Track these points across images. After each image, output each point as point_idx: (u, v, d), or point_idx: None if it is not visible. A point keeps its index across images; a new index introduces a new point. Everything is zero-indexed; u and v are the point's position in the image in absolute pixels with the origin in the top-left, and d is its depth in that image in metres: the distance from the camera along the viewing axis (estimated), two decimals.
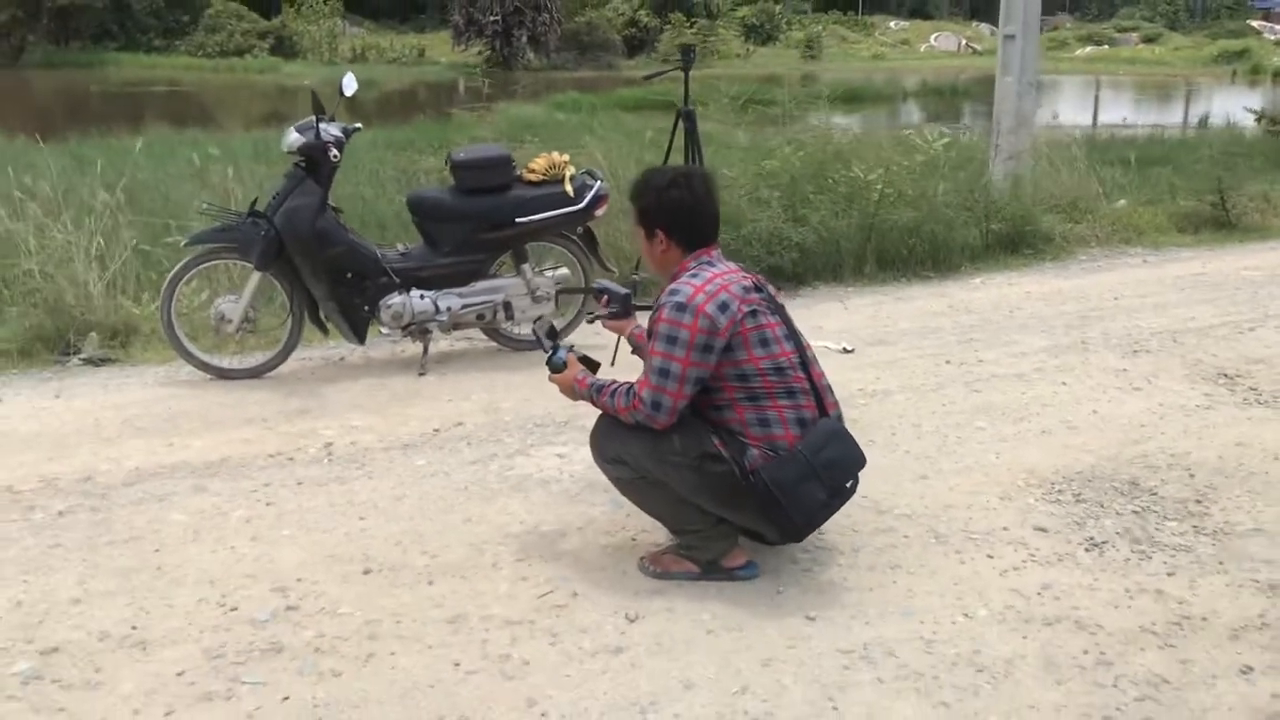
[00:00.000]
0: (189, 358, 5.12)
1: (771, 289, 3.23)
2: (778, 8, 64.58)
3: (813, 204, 7.30)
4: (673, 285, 3.06)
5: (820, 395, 3.15)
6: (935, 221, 7.46)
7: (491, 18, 41.84)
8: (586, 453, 3.55)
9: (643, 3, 48.25)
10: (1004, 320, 6.14)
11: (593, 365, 3.30)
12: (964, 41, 60.43)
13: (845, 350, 5.57)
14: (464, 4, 43.92)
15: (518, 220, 5.30)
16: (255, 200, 5.25)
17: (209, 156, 9.73)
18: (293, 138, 5.09)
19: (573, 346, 3.35)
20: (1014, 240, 7.92)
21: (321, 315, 5.26)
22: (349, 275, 5.15)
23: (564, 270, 5.60)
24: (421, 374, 5.23)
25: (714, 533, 3.15)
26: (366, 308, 5.21)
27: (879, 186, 7.40)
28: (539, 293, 5.45)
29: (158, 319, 5.18)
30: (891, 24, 71.45)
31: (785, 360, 3.07)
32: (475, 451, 4.18)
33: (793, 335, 3.18)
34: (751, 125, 10.23)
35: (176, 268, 5.10)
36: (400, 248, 5.50)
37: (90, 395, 4.93)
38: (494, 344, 5.62)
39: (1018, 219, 7.98)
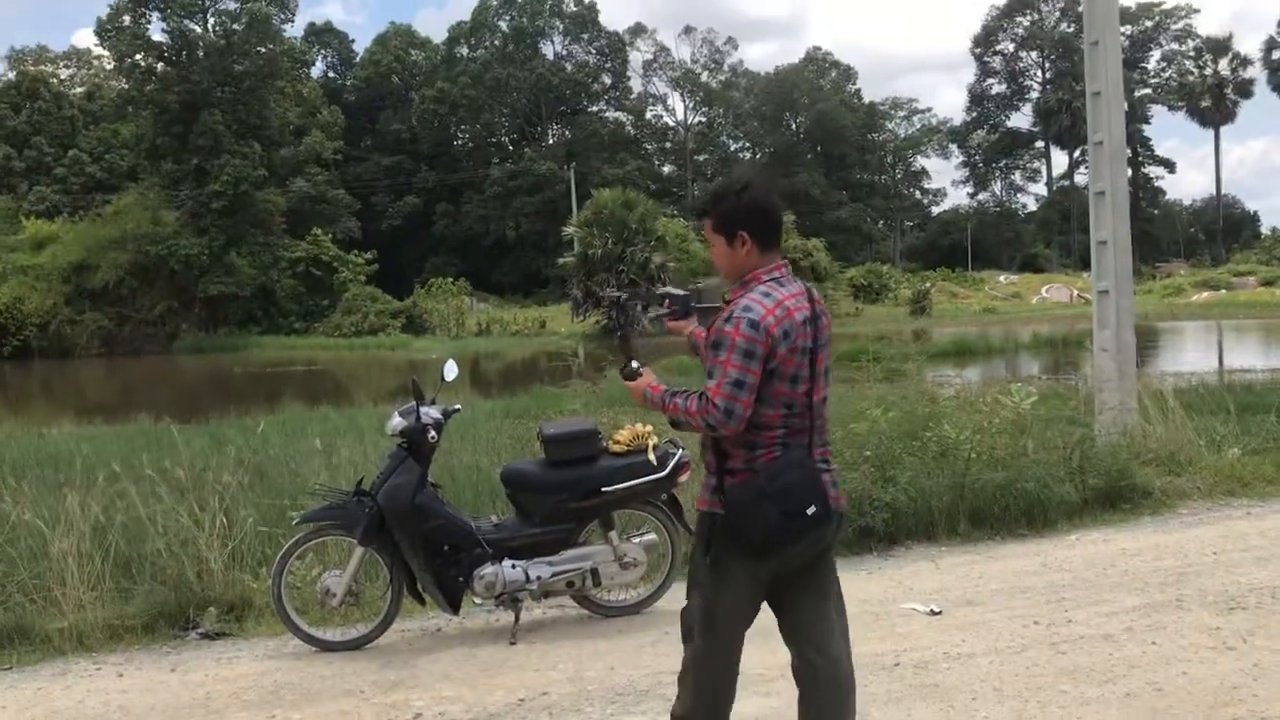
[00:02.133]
0: (296, 631, 5.41)
1: (825, 320, 3.43)
2: (885, 267, 66.44)
3: (903, 463, 7.42)
4: (746, 301, 3.26)
5: (813, 434, 3.33)
6: (1028, 479, 7.49)
7: (609, 290, 43.95)
8: None
9: None
10: (1097, 578, 6.06)
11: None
12: (1075, 293, 60.78)
13: (933, 612, 5.57)
14: (582, 279, 46.36)
15: (604, 489, 5.56)
16: (361, 480, 5.66)
17: (336, 433, 10.38)
18: (395, 421, 5.54)
19: (644, 362, 3.63)
20: (1112, 496, 7.84)
21: (419, 587, 5.53)
22: (445, 547, 5.44)
23: (651, 536, 5.81)
24: (513, 643, 5.40)
25: None
26: (461, 578, 5.46)
27: (968, 446, 7.51)
28: (626, 559, 5.64)
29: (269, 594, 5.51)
30: (1001, 278, 72.48)
31: (798, 402, 3.27)
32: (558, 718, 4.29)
33: (815, 375, 3.32)
34: (849, 384, 10.48)
35: (287, 544, 5.49)
36: (494, 518, 5.79)
37: (203, 669, 5.22)
38: (584, 611, 5.78)
39: (1115, 474, 7.94)
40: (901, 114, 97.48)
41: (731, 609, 3.36)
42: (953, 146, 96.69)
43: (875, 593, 5.98)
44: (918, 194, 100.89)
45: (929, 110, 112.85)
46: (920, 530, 7.17)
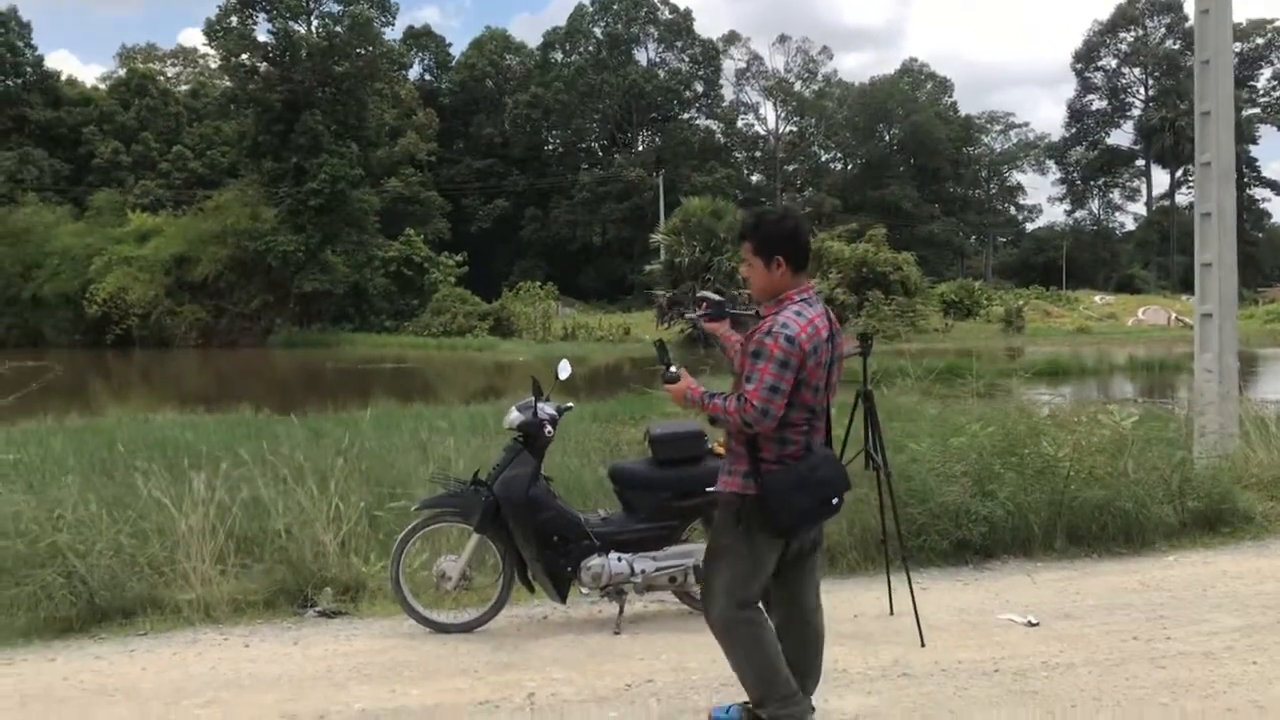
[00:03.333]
0: (412, 612, 5.68)
1: (840, 339, 3.97)
2: (977, 283, 65.53)
3: (1001, 479, 7.45)
4: (782, 319, 3.77)
5: (823, 433, 3.97)
6: (1127, 499, 7.47)
7: (739, 308, 44.04)
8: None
9: (839, 282, 49.91)
10: (1196, 599, 6.06)
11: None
12: (1173, 315, 59.30)
13: (1030, 623, 5.63)
14: (666, 286, 46.55)
15: (708, 490, 5.71)
16: (478, 471, 5.91)
17: (432, 429, 10.70)
18: (513, 416, 5.78)
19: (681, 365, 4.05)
20: (1211, 519, 7.78)
21: (529, 575, 5.75)
22: (555, 538, 5.65)
23: None
24: (617, 633, 5.59)
25: (795, 697, 3.90)
26: (569, 569, 5.66)
27: (1067, 464, 7.52)
28: None
29: (386, 575, 5.79)
30: (1097, 298, 71.02)
31: (819, 405, 3.88)
32: (664, 707, 4.47)
33: (829, 385, 3.92)
34: (944, 398, 10.51)
35: (406, 529, 5.76)
36: (601, 513, 5.99)
37: (324, 644, 5.50)
38: (685, 606, 5.95)
39: (1215, 497, 7.87)
40: (998, 128, 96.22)
41: (757, 575, 3.90)
42: (1050, 162, 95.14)
43: (971, 603, 6.06)
44: (1012, 210, 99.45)
45: (1026, 125, 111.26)
46: (1017, 545, 7.20)
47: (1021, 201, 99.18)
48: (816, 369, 3.80)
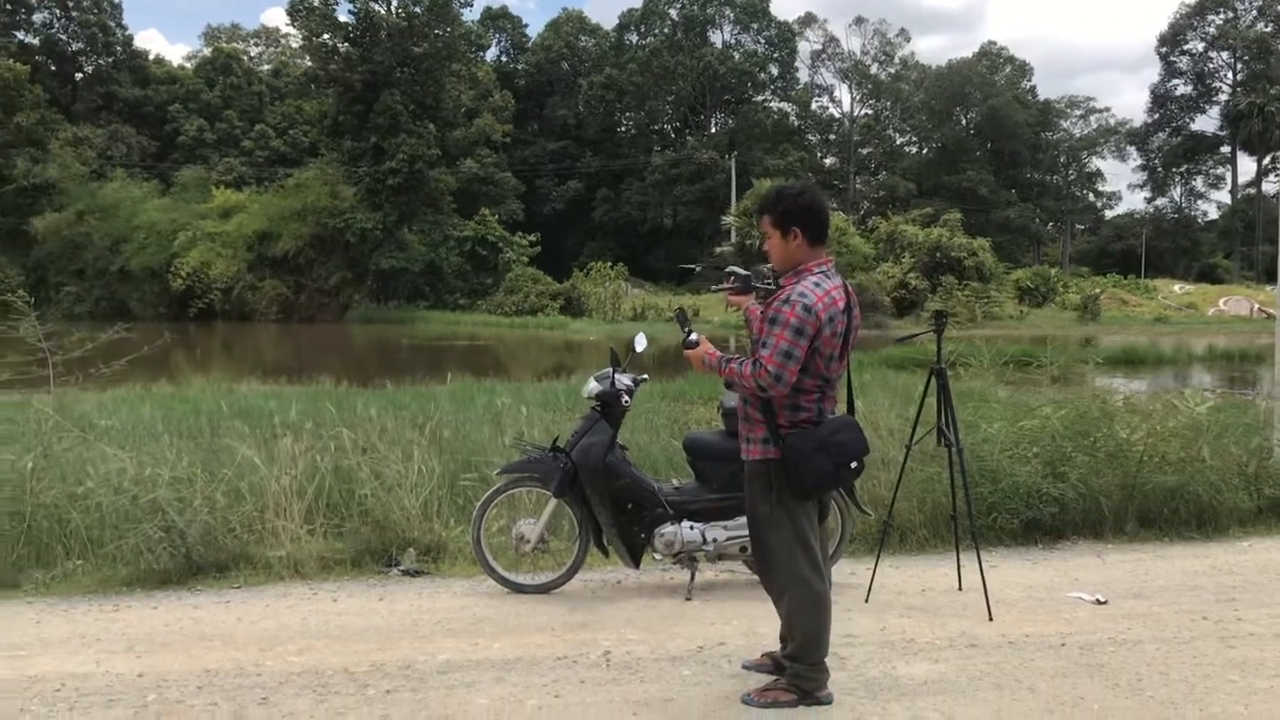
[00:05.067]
0: (491, 573, 5.90)
1: (856, 311, 4.16)
2: (1053, 270, 64.45)
3: (1073, 461, 7.46)
4: (800, 288, 3.97)
5: (834, 400, 4.17)
6: (1201, 484, 7.44)
7: (764, 283, 43.96)
8: (841, 676, 4.00)
9: (912, 266, 49.47)
10: (1270, 583, 6.05)
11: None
12: (1256, 306, 57.76)
13: (1099, 601, 5.68)
14: (727, 271, 46.47)
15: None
16: (556, 438, 6.10)
17: (505, 405, 10.94)
18: (592, 385, 5.96)
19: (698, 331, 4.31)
20: None
21: (604, 540, 5.93)
22: (630, 505, 5.82)
23: None
24: (688, 599, 5.75)
25: (821, 665, 4.14)
26: (643, 535, 5.83)
27: (1140, 448, 7.52)
28: None
29: (467, 538, 6.02)
30: (1176, 287, 69.41)
31: (834, 374, 4.09)
32: (736, 668, 4.62)
33: (844, 355, 4.12)
34: (1016, 384, 10.50)
35: (488, 493, 5.98)
36: (674, 482, 6.14)
37: (408, 600, 5.74)
38: (754, 576, 6.07)
39: None
40: (1078, 113, 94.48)
41: (801, 536, 4.08)
42: (1131, 148, 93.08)
43: (1040, 580, 6.12)
44: (1091, 196, 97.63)
45: (1107, 110, 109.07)
46: (1087, 527, 7.23)
47: (1100, 188, 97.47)
48: (832, 338, 3.99)
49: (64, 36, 74.81)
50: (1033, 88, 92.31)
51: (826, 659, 4.21)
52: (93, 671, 4.66)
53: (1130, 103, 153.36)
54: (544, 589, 5.87)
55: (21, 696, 4.37)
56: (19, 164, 57.87)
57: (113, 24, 75.24)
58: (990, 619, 5.29)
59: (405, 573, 6.32)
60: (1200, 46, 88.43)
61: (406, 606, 5.62)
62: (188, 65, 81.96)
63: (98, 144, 66.86)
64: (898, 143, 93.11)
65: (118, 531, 6.37)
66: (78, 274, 57.75)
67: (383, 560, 6.47)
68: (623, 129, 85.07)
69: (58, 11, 74.17)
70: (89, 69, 75.28)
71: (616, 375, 5.95)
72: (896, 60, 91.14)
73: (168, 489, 6.39)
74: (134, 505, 6.37)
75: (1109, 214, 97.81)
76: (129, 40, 77.09)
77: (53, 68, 71.91)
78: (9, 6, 71.55)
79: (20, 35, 72.67)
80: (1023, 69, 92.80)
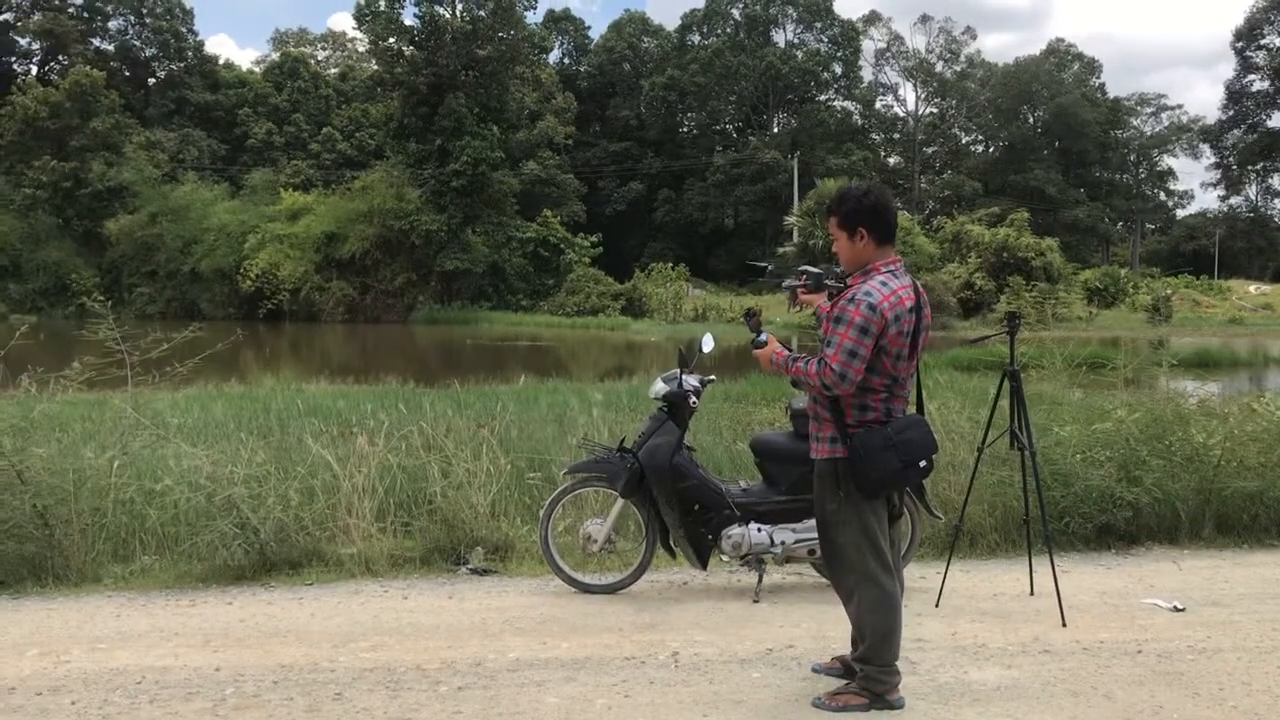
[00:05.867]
0: (559, 572, 5.93)
1: (926, 310, 4.13)
2: (1123, 270, 63.28)
3: (1147, 465, 7.32)
4: (867, 287, 3.98)
5: (904, 400, 4.12)
6: None
7: (834, 281, 43.63)
8: (913, 680, 3.97)
9: (978, 266, 48.84)
10: None
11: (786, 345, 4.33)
12: None
13: (1176, 609, 5.57)
14: (799, 270, 46.21)
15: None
16: (623, 439, 6.12)
17: (568, 403, 10.99)
18: (659, 386, 5.96)
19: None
20: None
21: (671, 541, 5.94)
22: (697, 507, 5.82)
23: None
24: (756, 601, 5.73)
25: (892, 668, 4.09)
26: (710, 537, 5.82)
27: (1217, 453, 7.36)
28: None
29: (534, 537, 6.07)
30: (1251, 288, 67.77)
31: (903, 374, 4.06)
32: (805, 670, 4.60)
33: (913, 354, 4.07)
34: (1087, 387, 10.31)
35: (555, 493, 6.02)
36: (742, 484, 6.12)
37: (477, 598, 5.79)
38: (823, 580, 6.05)
39: None
40: (1149, 110, 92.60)
41: (870, 536, 4.06)
42: (1204, 146, 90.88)
43: (1114, 586, 6.02)
44: (1162, 195, 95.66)
45: (1179, 107, 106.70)
46: (1162, 532, 7.09)
47: (1172, 187, 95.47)
48: (898, 337, 3.97)
49: (138, 43, 76.55)
50: (1101, 85, 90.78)
51: (897, 662, 4.17)
52: (171, 665, 4.76)
53: (1203, 99, 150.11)
54: (611, 589, 5.89)
55: (104, 688, 4.48)
56: (94, 168, 59.22)
57: (184, 30, 76.81)
58: (1064, 625, 5.21)
59: (474, 571, 6.38)
60: (1278, 41, 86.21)
61: (475, 605, 5.67)
62: (256, 69, 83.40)
63: (170, 148, 68.23)
64: (963, 142, 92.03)
65: (193, 528, 6.50)
66: (150, 275, 58.97)
67: (451, 558, 6.54)
68: (684, 129, 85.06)
69: (132, 19, 75.94)
70: (161, 74, 76.90)
71: (684, 376, 5.95)
72: (962, 58, 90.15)
73: (242, 486, 6.51)
74: (209, 502, 6.49)
75: (1180, 213, 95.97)
76: (200, 46, 78.68)
77: (127, 73, 73.50)
78: (86, 15, 73.40)
79: (96, 42, 74.54)
80: (1091, 66, 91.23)
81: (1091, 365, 10.14)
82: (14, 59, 74.36)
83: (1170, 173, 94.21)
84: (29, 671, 4.69)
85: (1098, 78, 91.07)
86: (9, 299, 55.35)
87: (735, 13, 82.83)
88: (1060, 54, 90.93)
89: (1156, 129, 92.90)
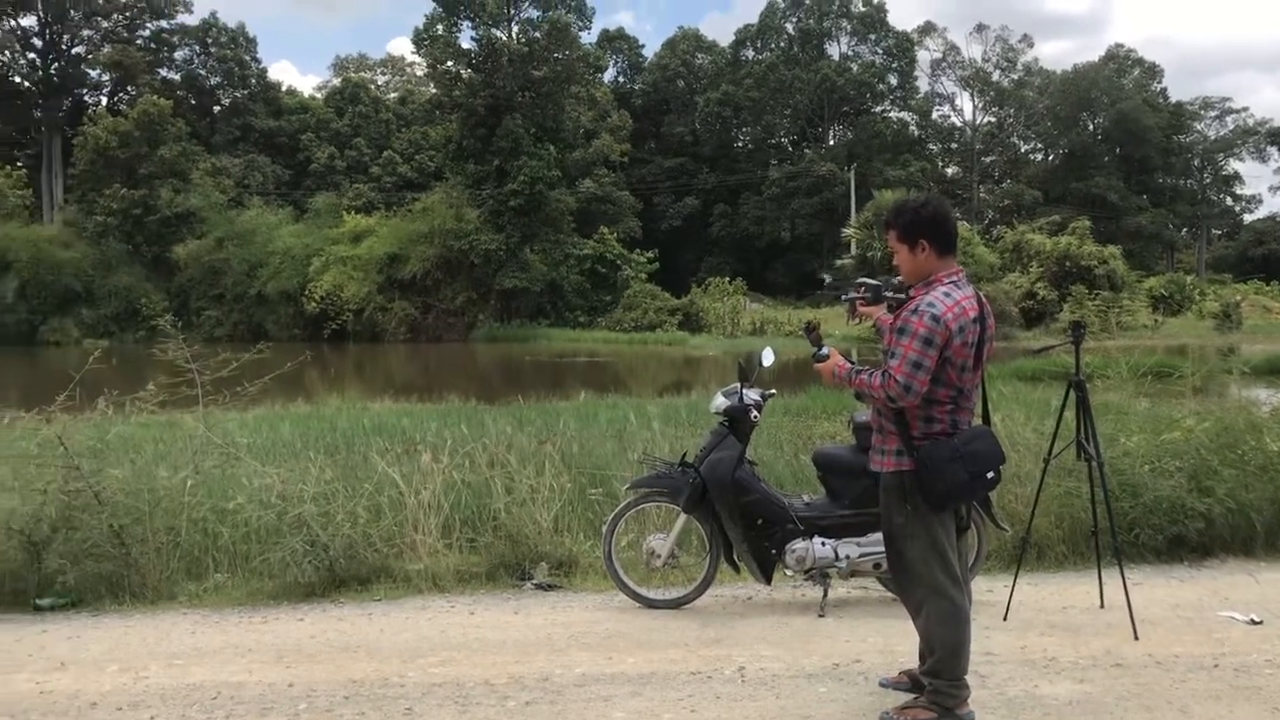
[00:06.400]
0: (623, 587, 5.96)
1: (990, 320, 4.10)
2: (1189, 277, 62.07)
3: (1219, 475, 7.18)
4: (930, 298, 3.97)
5: (969, 411, 4.08)
6: None
7: (894, 293, 43.27)
8: (982, 694, 3.93)
9: (1040, 275, 48.20)
10: None
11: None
12: None
13: (1253, 621, 5.46)
14: (858, 282, 45.91)
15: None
16: (685, 454, 6.14)
17: (628, 420, 11.02)
18: (719, 401, 5.98)
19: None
20: None
21: (734, 556, 5.94)
22: (760, 521, 5.82)
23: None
24: (821, 615, 5.71)
25: (962, 682, 4.04)
26: (774, 551, 5.82)
27: None
28: None
29: (598, 552, 6.11)
30: None
31: (968, 385, 4.04)
32: (873, 684, 4.57)
33: (978, 364, 4.05)
34: (1155, 396, 10.14)
35: (618, 508, 6.05)
36: (806, 498, 6.11)
37: (542, 614, 5.85)
38: (888, 594, 6.01)
39: None
40: (1213, 114, 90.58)
41: (938, 549, 4.03)
42: (1272, 149, 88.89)
43: (1188, 599, 5.91)
44: (1228, 200, 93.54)
45: (1245, 110, 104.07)
46: (1237, 543, 6.95)
47: (1239, 191, 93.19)
48: (963, 348, 3.96)
49: (203, 72, 78.27)
50: (1163, 90, 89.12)
51: (966, 676, 4.14)
52: (246, 681, 4.86)
53: (1270, 101, 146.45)
54: (675, 604, 5.91)
55: (182, 704, 4.59)
56: (163, 194, 60.52)
57: (248, 58, 78.41)
58: (1136, 638, 5.13)
59: (538, 586, 6.43)
60: None
61: (541, 620, 5.72)
62: (318, 95, 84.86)
63: (235, 173, 69.59)
64: (1022, 150, 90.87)
65: (263, 545, 6.63)
66: (217, 299, 60.08)
67: (516, 574, 6.60)
68: (739, 144, 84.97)
69: (197, 48, 77.68)
70: (226, 102, 78.50)
71: (744, 390, 5.96)
72: (1019, 66, 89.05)
73: (311, 504, 6.63)
74: (280, 520, 6.62)
75: (1248, 218, 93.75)
76: (263, 73, 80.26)
77: (193, 102, 75.14)
78: (153, 46, 75.28)
79: (163, 72, 76.30)
80: (1152, 71, 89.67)
81: (1158, 374, 9.98)
82: (85, 90, 76.37)
83: (1236, 177, 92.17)
84: (109, 687, 4.82)
85: (1159, 82, 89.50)
86: (82, 324, 56.69)
87: (789, 27, 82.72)
88: (1120, 59, 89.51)
89: (1221, 133, 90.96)
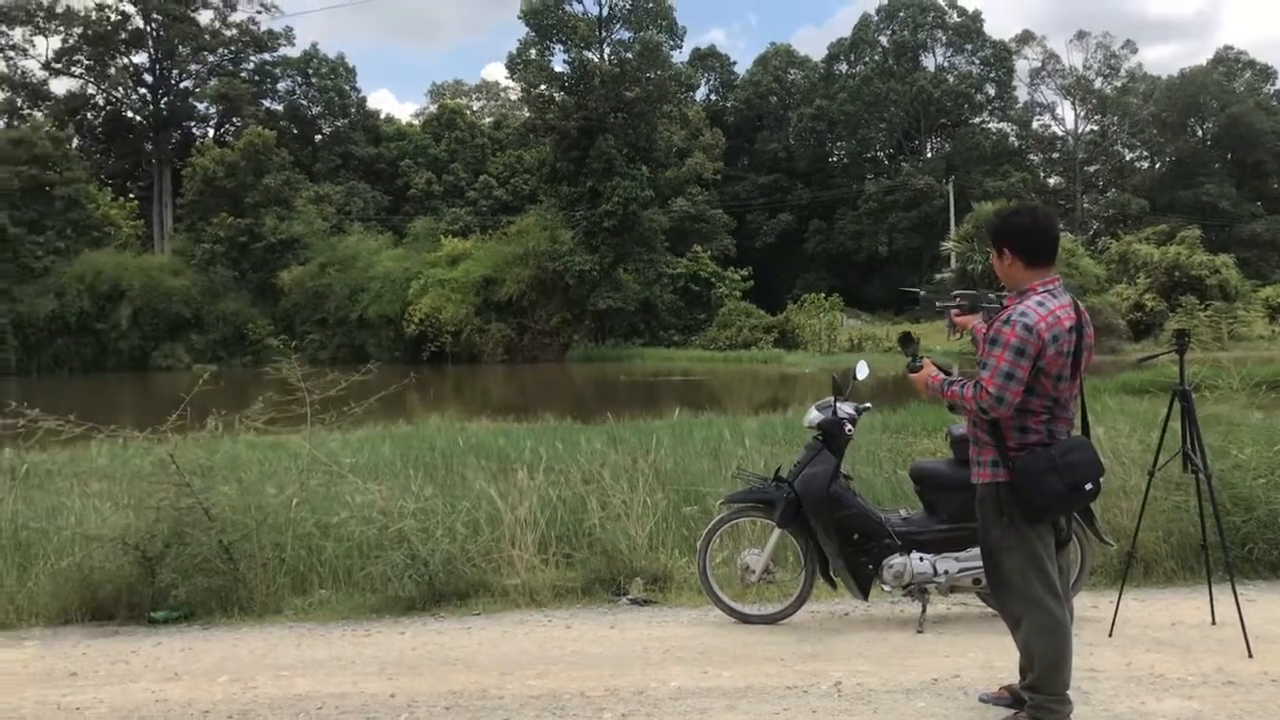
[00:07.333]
0: (718, 602, 5.97)
1: (1089, 330, 4.02)
2: None
3: None
4: (1023, 307, 3.91)
5: (1067, 421, 4.00)
6: None
7: (990, 304, 42.52)
8: (1086, 711, 3.84)
9: (1148, 286, 46.88)
10: None
11: (945, 369, 4.26)
12: None
13: None
14: (954, 293, 45.19)
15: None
16: (779, 468, 6.13)
17: (723, 437, 11.01)
18: (813, 415, 5.96)
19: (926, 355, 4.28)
20: None
21: (830, 571, 5.90)
22: (856, 536, 5.78)
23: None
24: (919, 631, 5.64)
25: (1064, 698, 3.96)
26: (871, 566, 5.77)
27: None
28: None
29: (693, 568, 6.14)
30: None
31: (1064, 395, 3.96)
32: (973, 700, 4.51)
33: (1075, 374, 3.97)
34: (1269, 408, 9.79)
35: (712, 522, 6.07)
36: (903, 512, 6.05)
37: (638, 628, 5.88)
38: (989, 609, 5.91)
39: None
40: None
41: (1037, 562, 3.95)
42: None
43: None
44: None
45: None
46: None
47: None
48: (1057, 358, 3.89)
49: (305, 102, 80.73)
50: (1277, 92, 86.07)
51: (1068, 692, 4.05)
52: (350, 691, 4.98)
53: None
54: (771, 619, 5.89)
55: (290, 713, 4.73)
56: (268, 222, 62.41)
57: (348, 88, 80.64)
58: (1249, 655, 4.96)
59: (634, 601, 6.47)
60: None
61: (636, 634, 5.75)
62: (416, 122, 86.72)
63: (337, 200, 71.46)
64: (1127, 158, 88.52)
65: (364, 560, 6.80)
66: (320, 323, 61.63)
67: (612, 589, 6.65)
68: (834, 159, 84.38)
69: (299, 79, 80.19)
70: (327, 131, 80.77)
71: (839, 404, 5.93)
72: (1123, 73, 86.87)
73: (411, 519, 6.77)
74: (381, 535, 6.78)
75: None
76: (362, 102, 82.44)
77: (295, 131, 77.51)
78: (257, 78, 77.89)
79: (267, 103, 78.89)
80: (1265, 73, 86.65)
81: (1273, 385, 9.65)
82: (193, 123, 79.34)
83: None
84: (220, 697, 4.98)
85: (1272, 85, 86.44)
86: (192, 349, 58.71)
87: (883, 40, 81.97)
88: (1229, 62, 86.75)
89: None
